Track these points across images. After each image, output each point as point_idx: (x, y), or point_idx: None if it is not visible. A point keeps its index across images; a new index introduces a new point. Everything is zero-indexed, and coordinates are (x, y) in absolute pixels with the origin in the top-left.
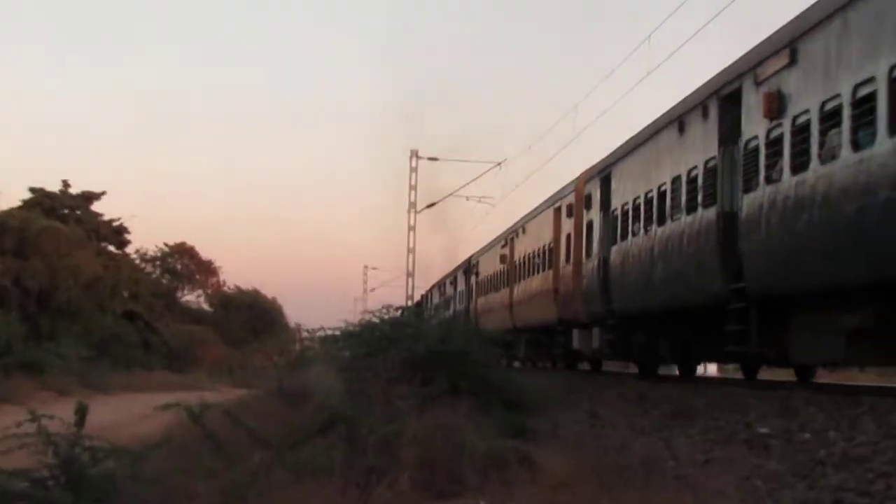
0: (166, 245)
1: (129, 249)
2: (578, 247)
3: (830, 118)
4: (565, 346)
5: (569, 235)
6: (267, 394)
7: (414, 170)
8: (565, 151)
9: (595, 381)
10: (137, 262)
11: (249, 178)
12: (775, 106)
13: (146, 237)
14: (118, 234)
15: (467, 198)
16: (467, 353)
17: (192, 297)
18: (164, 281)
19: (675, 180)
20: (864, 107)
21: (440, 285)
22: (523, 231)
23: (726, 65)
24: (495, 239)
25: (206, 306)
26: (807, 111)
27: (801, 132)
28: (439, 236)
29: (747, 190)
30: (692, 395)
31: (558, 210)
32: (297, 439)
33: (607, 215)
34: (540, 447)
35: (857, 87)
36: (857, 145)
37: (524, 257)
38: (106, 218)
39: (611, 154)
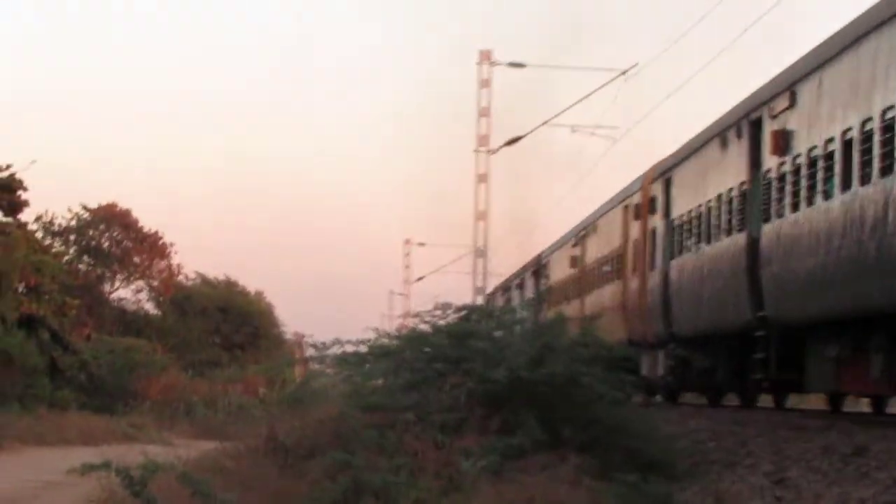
0: (86, 209)
1: (27, 217)
2: (644, 256)
3: (823, 161)
4: (635, 373)
5: (636, 242)
6: (250, 448)
7: (485, 84)
8: (733, 52)
9: (708, 417)
10: (40, 236)
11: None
12: (781, 143)
13: (57, 199)
14: (7, 191)
15: (573, 128)
16: (578, 380)
17: (129, 293)
18: (84, 266)
19: (719, 198)
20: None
21: (505, 288)
22: (594, 229)
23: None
24: (568, 233)
25: (150, 307)
26: (805, 152)
27: (798, 172)
28: (523, 196)
29: (765, 219)
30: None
31: (626, 209)
32: None
33: (669, 223)
34: None
35: (844, 132)
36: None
37: (595, 262)
38: None
39: (674, 153)
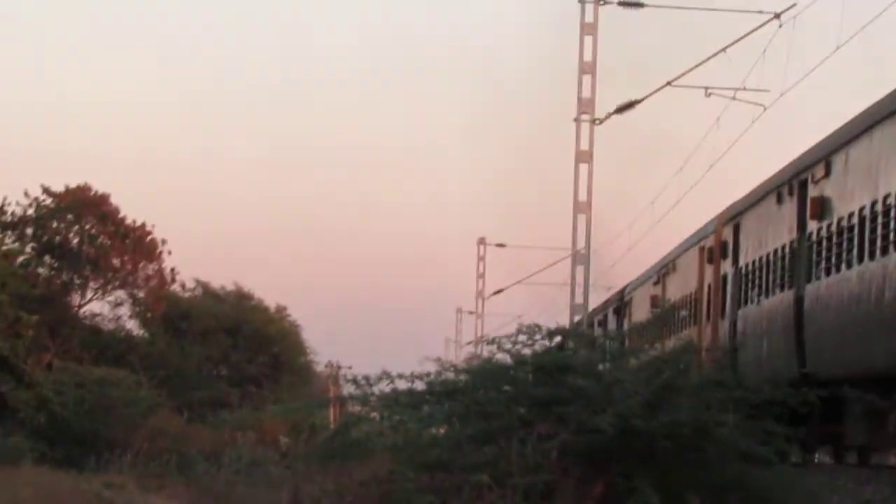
0: (48, 193)
1: None
2: (716, 302)
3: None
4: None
5: (710, 286)
6: None
7: (589, 30)
8: None
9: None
10: None
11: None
12: (819, 209)
13: (13, 183)
14: None
15: (707, 90)
16: (710, 431)
17: (106, 307)
18: (45, 271)
19: (775, 252)
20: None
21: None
22: (674, 268)
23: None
24: (651, 268)
25: (134, 326)
26: (836, 221)
27: (831, 238)
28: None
29: (808, 279)
30: None
31: (702, 251)
32: None
33: (737, 271)
34: None
35: (861, 209)
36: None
37: (674, 304)
38: None
39: (745, 196)
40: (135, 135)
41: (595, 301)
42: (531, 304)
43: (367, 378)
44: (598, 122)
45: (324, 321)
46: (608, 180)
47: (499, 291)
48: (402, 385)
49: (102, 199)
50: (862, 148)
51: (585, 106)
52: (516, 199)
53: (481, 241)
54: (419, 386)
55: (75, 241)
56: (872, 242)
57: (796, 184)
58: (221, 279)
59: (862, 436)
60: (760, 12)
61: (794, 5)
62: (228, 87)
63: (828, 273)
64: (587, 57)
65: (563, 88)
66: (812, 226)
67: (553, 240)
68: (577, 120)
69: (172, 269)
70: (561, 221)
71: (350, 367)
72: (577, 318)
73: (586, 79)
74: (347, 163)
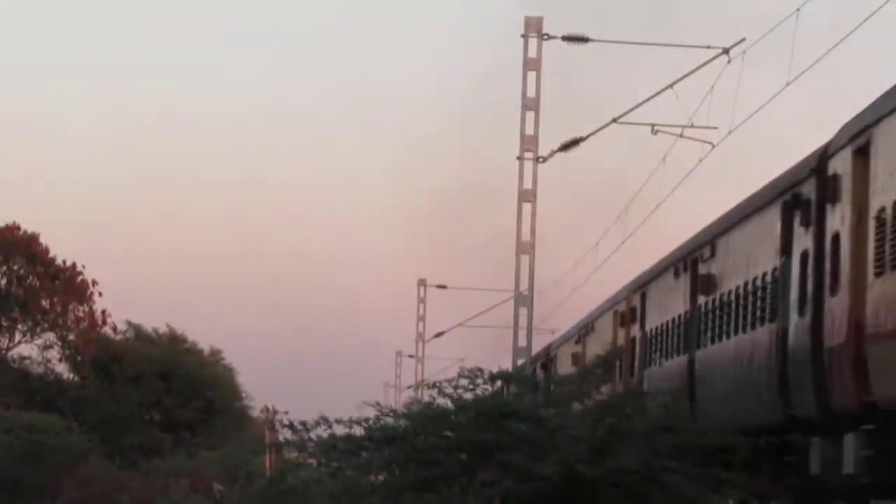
0: None
1: None
2: (628, 362)
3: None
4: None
5: (621, 347)
6: None
7: (533, 65)
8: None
9: None
10: None
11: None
12: (705, 286)
13: None
14: None
15: (654, 128)
16: (659, 478)
17: (34, 350)
18: None
19: (673, 321)
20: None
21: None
22: (592, 329)
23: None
24: (574, 327)
25: (64, 370)
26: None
27: (715, 311)
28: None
29: (697, 346)
30: None
31: (615, 315)
32: None
33: (644, 334)
34: None
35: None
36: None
37: (591, 363)
38: None
39: (650, 268)
40: (66, 176)
41: (538, 344)
42: (473, 347)
43: (304, 423)
44: (541, 160)
45: (260, 365)
46: (552, 220)
47: (440, 334)
48: (340, 431)
49: (32, 239)
50: (739, 235)
51: (529, 143)
52: (458, 239)
53: (421, 283)
54: (358, 432)
55: (3, 281)
56: (745, 317)
57: (689, 261)
58: (154, 322)
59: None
60: (709, 47)
61: (742, 40)
62: (163, 126)
63: (713, 341)
64: (530, 93)
65: (506, 125)
66: (701, 299)
67: (495, 281)
68: (520, 158)
69: (104, 311)
70: (503, 262)
71: (286, 412)
72: (520, 362)
73: (529, 115)
74: (283, 206)
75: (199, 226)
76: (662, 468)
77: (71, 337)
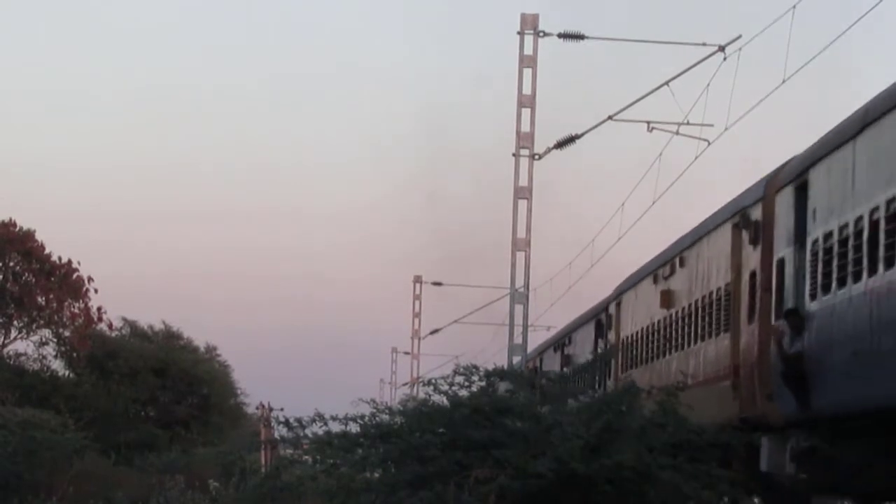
0: None
1: None
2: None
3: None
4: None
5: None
6: None
7: (528, 62)
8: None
9: None
10: None
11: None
12: (666, 300)
13: None
14: None
15: (650, 125)
16: (654, 475)
17: (30, 347)
18: None
19: (642, 330)
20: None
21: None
22: (576, 336)
23: None
24: (557, 334)
25: (60, 366)
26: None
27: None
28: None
29: (662, 354)
30: None
31: (598, 323)
32: None
33: (620, 342)
34: None
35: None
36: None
37: (574, 367)
38: None
39: (624, 280)
40: (62, 173)
41: (534, 342)
42: (469, 344)
43: (299, 420)
44: (537, 157)
45: (255, 362)
46: (548, 217)
47: (435, 331)
48: (335, 427)
49: (27, 236)
50: (693, 254)
51: (524, 140)
52: (454, 236)
53: (417, 280)
54: (353, 428)
55: None
56: (695, 330)
57: (652, 276)
58: (149, 318)
59: None
60: (704, 45)
61: (738, 37)
62: (160, 122)
63: (673, 350)
64: (526, 90)
65: (502, 122)
66: (662, 313)
67: (491, 278)
68: (515, 155)
69: (99, 308)
70: (499, 259)
71: (282, 409)
72: (515, 359)
73: (525, 112)
74: (282, 202)
75: (194, 222)
76: (657, 465)
77: (66, 333)
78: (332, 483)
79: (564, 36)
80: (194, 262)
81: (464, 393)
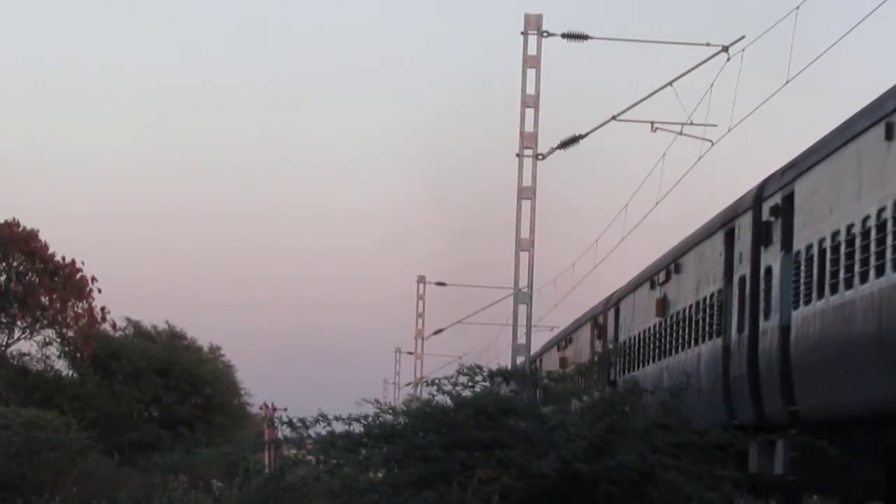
0: None
1: None
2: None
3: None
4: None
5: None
6: None
7: (532, 63)
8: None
9: None
10: None
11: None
12: (661, 307)
13: None
14: None
15: (654, 125)
16: (657, 476)
17: (33, 347)
18: None
19: (642, 332)
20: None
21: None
22: (572, 339)
23: None
24: (555, 336)
25: (63, 366)
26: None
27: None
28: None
29: (661, 357)
30: None
31: (594, 326)
32: None
33: (618, 345)
34: None
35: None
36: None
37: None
38: None
39: (623, 286)
40: (65, 172)
41: (538, 342)
42: (472, 344)
43: (302, 420)
44: (541, 157)
45: (259, 362)
46: (552, 217)
47: (439, 331)
48: (338, 428)
49: (31, 236)
50: (688, 261)
51: (528, 140)
52: (457, 237)
53: (421, 280)
54: (356, 429)
55: (2, 278)
56: (689, 335)
57: (649, 283)
58: (153, 318)
59: None
60: (708, 45)
61: (742, 38)
62: (161, 122)
63: (670, 353)
64: (530, 90)
65: (505, 123)
66: (657, 319)
67: (495, 278)
68: (519, 155)
69: (103, 308)
70: (503, 259)
71: (285, 409)
72: (519, 360)
73: (529, 112)
74: (285, 202)
75: (199, 223)
76: (661, 466)
77: (70, 333)
78: (336, 483)
79: (568, 36)
80: (198, 262)
81: (467, 393)
